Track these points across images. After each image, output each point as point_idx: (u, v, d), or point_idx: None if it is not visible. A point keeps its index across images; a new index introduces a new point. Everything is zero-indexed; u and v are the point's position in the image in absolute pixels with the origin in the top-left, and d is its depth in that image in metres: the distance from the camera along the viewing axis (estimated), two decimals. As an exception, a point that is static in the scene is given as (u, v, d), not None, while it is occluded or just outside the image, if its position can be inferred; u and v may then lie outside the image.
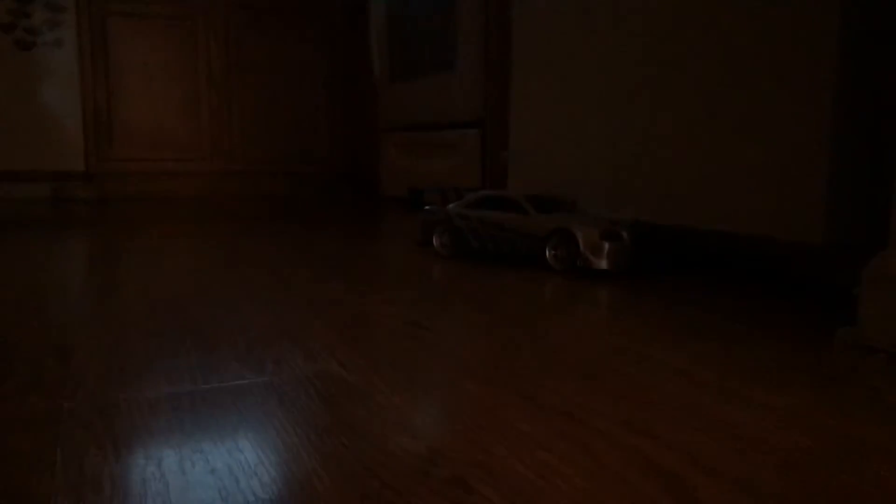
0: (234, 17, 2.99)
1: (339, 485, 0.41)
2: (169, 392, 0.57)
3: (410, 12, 2.37)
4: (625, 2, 1.24)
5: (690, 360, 0.68)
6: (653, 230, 1.25)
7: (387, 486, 0.41)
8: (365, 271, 1.17)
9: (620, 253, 1.12)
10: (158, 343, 0.72)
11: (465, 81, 2.08)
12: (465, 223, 1.29)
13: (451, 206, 1.34)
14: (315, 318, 0.83)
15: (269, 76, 3.08)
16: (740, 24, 1.03)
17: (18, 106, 2.67)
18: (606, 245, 1.11)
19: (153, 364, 0.65)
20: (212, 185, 3.06)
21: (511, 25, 1.59)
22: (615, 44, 1.27)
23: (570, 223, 1.14)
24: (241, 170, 3.08)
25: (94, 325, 0.79)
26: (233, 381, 0.60)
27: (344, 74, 3.21)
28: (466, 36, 2.05)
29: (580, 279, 1.11)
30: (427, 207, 1.38)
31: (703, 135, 1.10)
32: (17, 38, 2.63)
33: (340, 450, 0.46)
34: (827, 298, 0.98)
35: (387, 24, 2.55)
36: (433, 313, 0.87)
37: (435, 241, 1.34)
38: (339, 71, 3.21)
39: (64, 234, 1.65)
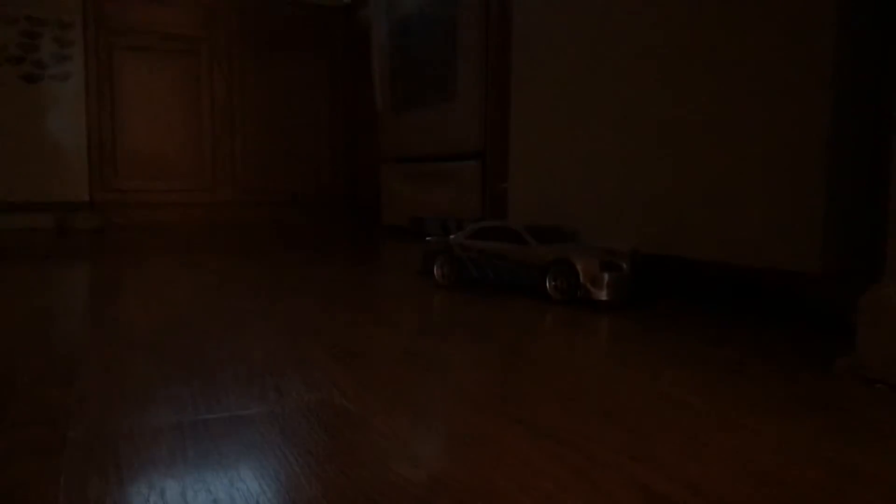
0: (237, 48, 3.03)
1: (341, 514, 0.42)
2: (171, 421, 0.58)
3: (412, 43, 2.41)
4: (619, 34, 1.26)
5: (690, 389, 0.68)
6: (652, 260, 1.26)
7: (388, 516, 0.42)
8: (366, 300, 1.18)
9: (620, 283, 1.13)
10: (160, 372, 0.72)
11: (465, 112, 2.11)
12: (465, 253, 1.30)
13: (451, 236, 1.35)
14: (316, 346, 0.84)
15: (272, 106, 3.12)
16: (738, 54, 1.05)
17: (24, 138, 2.70)
18: (606, 276, 1.11)
19: (155, 393, 0.65)
20: (215, 213, 3.08)
21: (511, 57, 1.61)
22: (613, 75, 1.29)
23: (569, 254, 1.15)
24: (243, 199, 3.10)
25: (96, 354, 0.79)
26: (235, 411, 0.60)
27: (346, 104, 3.25)
28: (466, 68, 2.08)
29: (580, 309, 1.12)
30: (428, 237, 1.40)
31: (702, 166, 1.11)
32: (26, 71, 2.67)
33: (341, 479, 0.47)
34: (827, 327, 0.98)
35: (388, 54, 2.59)
36: (433, 342, 0.87)
37: (435, 271, 1.35)
38: (342, 100, 3.25)
39: (66, 264, 1.66)
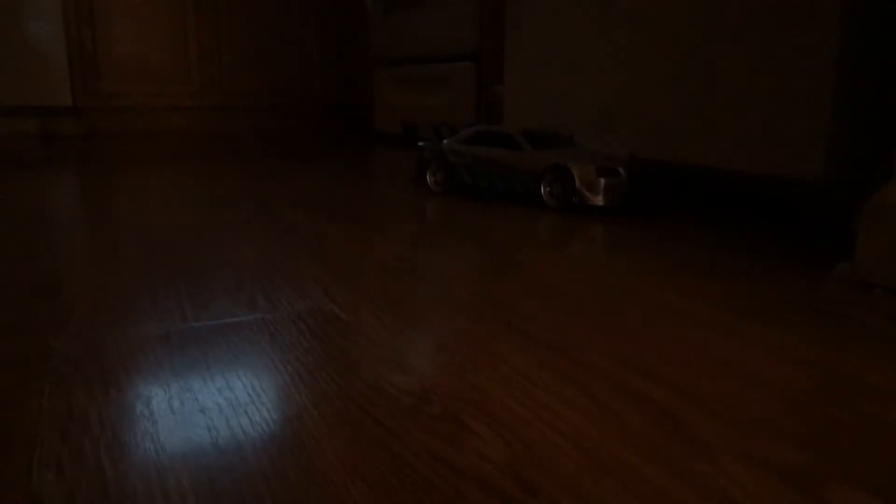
0: (220, -55, 2.87)
1: (331, 422, 0.41)
2: (158, 329, 0.56)
3: (403, -61, 2.28)
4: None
5: (685, 297, 0.67)
6: (651, 166, 1.23)
7: (379, 424, 0.41)
8: (357, 208, 1.16)
9: (617, 189, 1.10)
10: (148, 280, 0.71)
11: (458, 11, 2.02)
12: (459, 159, 1.27)
13: (445, 141, 1.32)
14: (307, 255, 0.82)
15: (259, 8, 2.99)
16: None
17: (2, 40, 2.59)
18: (603, 181, 1.09)
19: (142, 301, 0.64)
20: (202, 119, 3.01)
21: (507, -48, 1.52)
22: (615, -29, 1.22)
23: (565, 159, 1.12)
24: (231, 104, 3.02)
25: (82, 263, 0.78)
26: (223, 319, 0.59)
27: (336, 6, 3.12)
28: (461, -36, 1.97)
29: (576, 216, 1.10)
30: (421, 143, 1.36)
31: (704, 69, 1.07)
32: (-4, -33, 2.53)
33: (332, 387, 0.46)
34: (827, 235, 0.97)
35: (379, -49, 2.45)
36: (426, 250, 0.86)
37: (428, 178, 1.32)
38: (332, 2, 3.11)
39: (51, 171, 1.62)
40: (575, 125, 1.35)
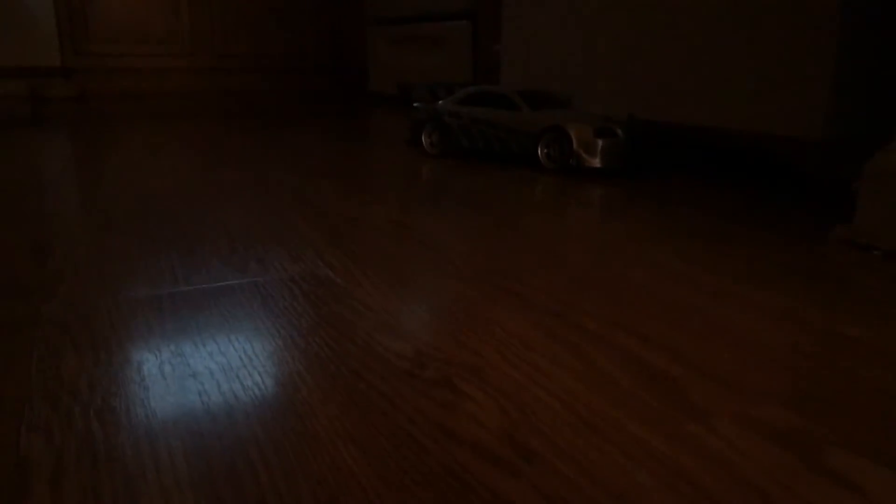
0: None
1: (324, 387, 0.41)
2: (149, 294, 0.56)
3: None
4: None
5: (683, 260, 0.67)
6: (649, 127, 1.21)
7: (372, 388, 0.41)
8: (352, 171, 1.14)
9: (614, 151, 1.09)
10: (139, 244, 0.70)
11: (455, -31, 1.97)
12: (454, 120, 1.25)
13: (440, 102, 1.30)
14: (300, 218, 0.81)
15: (250, -35, 2.92)
16: None
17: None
18: (600, 143, 1.07)
19: (133, 265, 0.63)
20: (194, 80, 2.96)
21: None
22: (615, -75, 1.18)
23: (563, 120, 1.10)
24: (222, 65, 2.97)
25: (73, 227, 0.77)
26: (215, 283, 0.58)
27: (328, -38, 3.05)
28: (457, -82, 1.92)
29: (573, 178, 1.09)
30: (416, 104, 1.34)
31: (703, 29, 1.04)
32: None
33: (325, 352, 0.45)
34: (827, 197, 0.96)
35: None
36: (421, 213, 0.85)
37: (424, 139, 1.30)
38: (324, -42, 3.04)
39: (42, 133, 1.59)
40: (573, 85, 1.33)
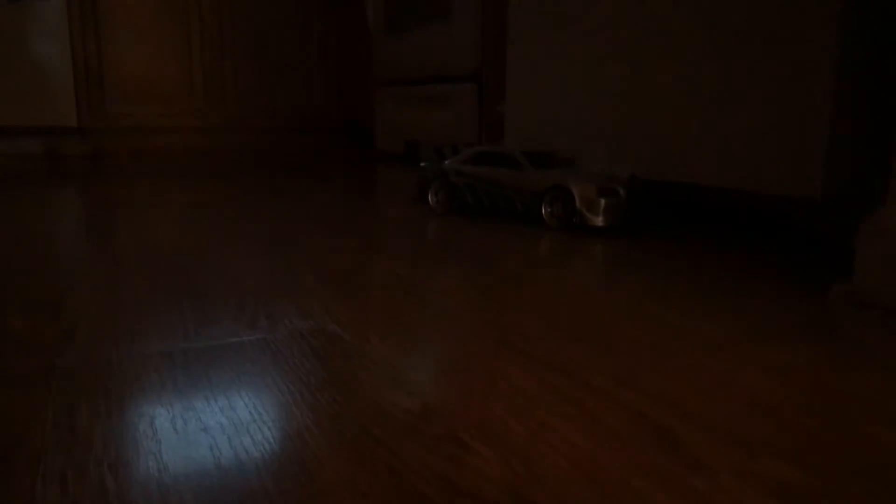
0: (224, -33, 2.91)
1: (332, 442, 0.41)
2: (161, 349, 0.57)
3: (405, -39, 2.31)
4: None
5: (685, 316, 0.68)
6: (651, 186, 1.24)
7: (380, 444, 0.41)
8: (360, 227, 1.16)
9: (617, 209, 1.11)
10: (151, 299, 0.71)
11: (461, 33, 2.04)
12: (460, 179, 1.28)
13: (446, 161, 1.33)
14: (309, 274, 0.83)
15: (263, 29, 3.02)
16: (744, -27, 1.00)
17: (7, 60, 2.62)
18: (603, 201, 1.10)
19: (146, 320, 0.64)
20: (206, 139, 3.03)
21: (508, -25, 1.55)
22: (615, -6, 1.23)
23: (566, 179, 1.13)
24: (234, 124, 3.04)
25: (87, 282, 0.78)
26: (226, 339, 0.60)
27: (339, 26, 3.15)
28: (463, -14, 2.00)
29: (576, 236, 1.11)
30: (423, 163, 1.37)
31: (703, 90, 1.08)
32: (3, -11, 2.56)
33: (334, 407, 0.46)
34: (826, 254, 0.98)
35: (381, -27, 2.48)
36: (428, 270, 0.86)
37: (430, 198, 1.33)
38: (335, 23, 3.14)
39: (57, 190, 1.63)
40: (575, 145, 1.36)
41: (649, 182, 1.22)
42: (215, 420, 0.44)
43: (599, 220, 1.10)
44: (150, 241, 1.03)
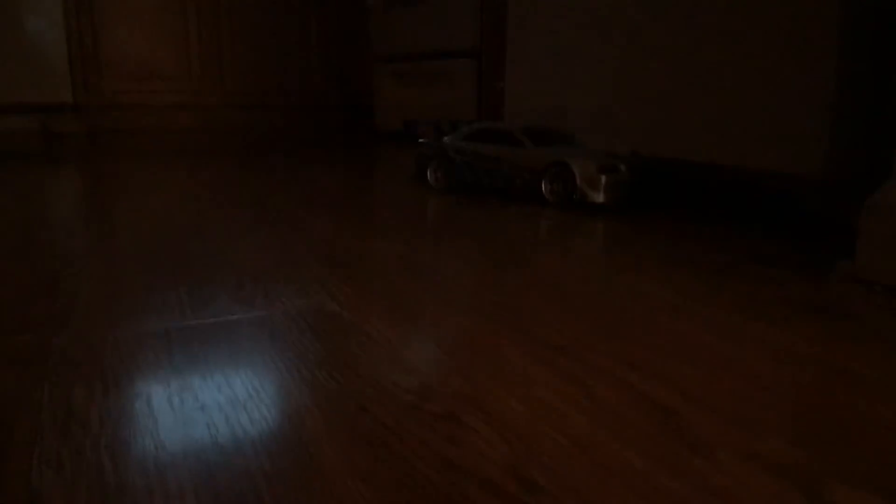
0: (220, -58, 2.87)
1: (330, 420, 0.41)
2: (158, 327, 0.56)
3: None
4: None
5: (686, 295, 0.67)
6: (652, 163, 1.23)
7: (378, 422, 0.41)
8: (358, 206, 1.16)
9: (618, 186, 1.10)
10: (148, 278, 0.71)
11: (460, 8, 2.01)
12: (459, 156, 1.27)
13: (445, 138, 1.32)
14: (308, 253, 0.82)
15: (261, 7, 2.99)
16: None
17: (1, 37, 2.58)
18: (603, 178, 1.09)
19: (143, 299, 0.64)
20: (203, 117, 3.00)
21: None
22: (616, -32, 1.21)
23: (566, 156, 1.12)
24: (231, 102, 3.01)
25: (83, 261, 0.78)
26: (223, 317, 0.59)
27: (336, 2, 3.11)
28: (462, -40, 1.97)
29: (576, 213, 1.10)
30: (421, 140, 1.36)
31: (706, 66, 1.06)
32: (-4, -36, 2.53)
33: (332, 385, 0.46)
34: (828, 233, 0.97)
35: (379, -52, 2.45)
36: (427, 248, 0.86)
37: (429, 175, 1.32)
38: (334, 1, 3.11)
39: (53, 168, 1.62)
40: (576, 122, 1.35)
41: (651, 159, 1.21)
42: (212, 398, 0.44)
43: (600, 198, 1.09)
44: (146, 219, 1.02)
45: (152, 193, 1.26)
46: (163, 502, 0.33)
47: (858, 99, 0.91)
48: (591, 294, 0.67)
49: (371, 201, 1.20)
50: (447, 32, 2.09)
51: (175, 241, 0.87)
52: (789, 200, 1.12)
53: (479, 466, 0.36)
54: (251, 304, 0.63)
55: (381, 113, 2.57)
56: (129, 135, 2.63)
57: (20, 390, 0.44)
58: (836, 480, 0.35)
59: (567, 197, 1.12)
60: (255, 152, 2.01)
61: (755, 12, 0.98)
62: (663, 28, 1.13)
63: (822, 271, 0.76)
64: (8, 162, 1.75)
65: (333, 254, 0.82)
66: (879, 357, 0.52)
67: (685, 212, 1.13)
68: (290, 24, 3.06)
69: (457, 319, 0.60)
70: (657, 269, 0.77)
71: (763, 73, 0.98)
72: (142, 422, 0.40)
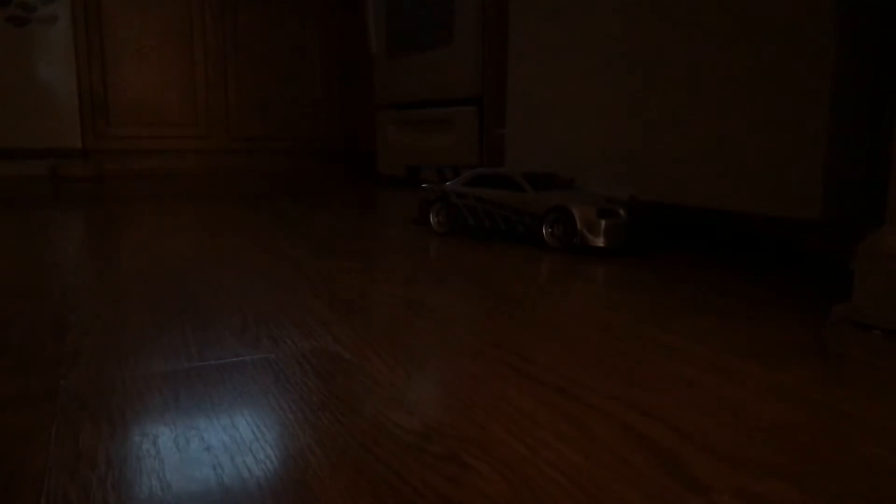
0: (228, -8, 2.95)
1: (334, 461, 0.42)
2: (165, 369, 0.57)
3: (407, -13, 2.34)
4: (624, -24, 1.22)
5: (685, 337, 0.68)
6: (650, 207, 1.25)
7: (381, 462, 0.41)
8: (362, 249, 1.17)
9: (617, 230, 1.12)
10: (155, 319, 0.72)
11: (461, 56, 2.06)
12: (461, 201, 1.29)
13: (448, 183, 1.34)
14: (312, 294, 0.83)
15: (265, 52, 3.06)
16: (741, 3, 1.01)
17: (13, 82, 2.65)
18: (603, 223, 1.10)
19: (149, 340, 0.65)
20: (209, 161, 3.05)
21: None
22: (614, 19, 1.25)
23: (566, 201, 1.13)
24: (237, 147, 3.06)
25: (91, 302, 0.79)
26: (229, 358, 0.60)
27: (340, 50, 3.18)
28: (463, 9, 2.03)
29: (577, 257, 1.11)
30: (424, 185, 1.38)
31: (702, 112, 1.09)
32: (12, 14, 2.60)
33: (335, 426, 0.47)
34: (825, 274, 0.98)
35: (384, -2, 2.52)
36: (429, 290, 0.87)
37: (432, 219, 1.34)
38: (336, 46, 3.18)
39: (61, 212, 1.64)
40: (576, 167, 1.37)
41: (650, 204, 1.22)
42: (218, 439, 0.44)
43: (600, 241, 1.11)
44: (153, 262, 1.03)
45: (158, 236, 1.28)
46: (169, 541, 0.33)
47: (854, 138, 0.93)
48: (590, 336, 0.68)
49: (374, 244, 1.22)
50: (450, 80, 2.14)
51: (181, 282, 0.88)
52: (788, 242, 1.13)
53: (480, 506, 0.37)
54: (256, 345, 0.64)
55: (383, 158, 2.61)
56: (135, 178, 2.67)
57: (29, 430, 0.45)
58: (833, 521, 0.36)
59: (567, 240, 1.13)
60: (259, 196, 2.04)
61: (749, 53, 1.01)
62: (660, 75, 1.16)
63: (820, 314, 0.77)
64: (17, 205, 1.77)
65: (336, 295, 0.83)
66: (877, 399, 0.53)
67: (684, 254, 1.14)
68: (295, 72, 3.13)
69: (458, 361, 0.60)
70: (656, 312, 0.78)
71: (757, 116, 1.00)
72: (148, 462, 0.41)
